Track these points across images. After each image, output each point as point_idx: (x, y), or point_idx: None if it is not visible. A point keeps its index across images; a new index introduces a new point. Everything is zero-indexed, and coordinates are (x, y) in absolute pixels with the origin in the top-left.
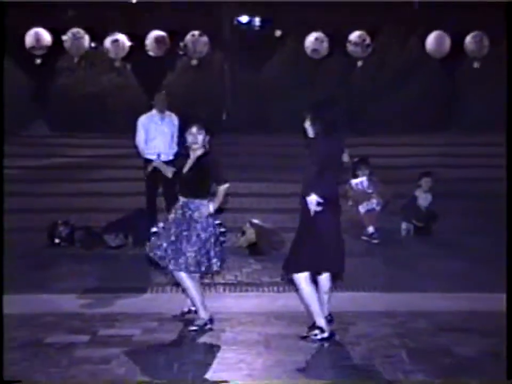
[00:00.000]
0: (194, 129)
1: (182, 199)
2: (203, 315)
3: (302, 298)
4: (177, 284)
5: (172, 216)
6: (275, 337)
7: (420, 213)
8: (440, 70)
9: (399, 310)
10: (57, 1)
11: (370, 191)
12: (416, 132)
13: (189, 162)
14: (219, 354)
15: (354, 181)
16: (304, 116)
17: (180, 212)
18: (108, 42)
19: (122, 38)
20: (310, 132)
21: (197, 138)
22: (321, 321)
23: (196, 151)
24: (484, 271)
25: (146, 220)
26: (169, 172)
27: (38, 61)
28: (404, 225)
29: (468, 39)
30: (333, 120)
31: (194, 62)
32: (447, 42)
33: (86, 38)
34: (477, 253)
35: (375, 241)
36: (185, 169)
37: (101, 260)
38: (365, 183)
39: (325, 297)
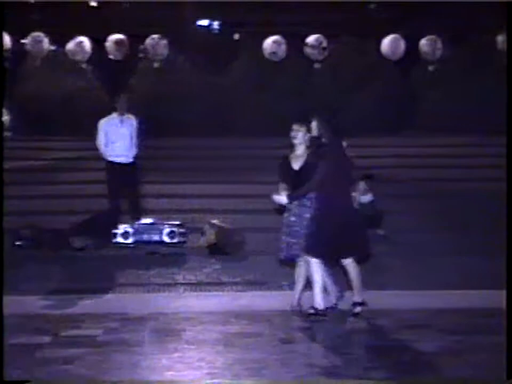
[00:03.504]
0: (295, 126)
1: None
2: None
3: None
4: (137, 285)
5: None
6: (235, 336)
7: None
8: (396, 73)
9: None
10: (18, 3)
11: None
12: (371, 134)
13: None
14: (180, 354)
15: None
16: (310, 118)
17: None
18: (70, 45)
19: (85, 41)
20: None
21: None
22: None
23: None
24: (437, 269)
25: (109, 221)
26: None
27: None
28: None
29: (422, 42)
30: (340, 126)
31: (155, 65)
32: (402, 45)
33: (46, 41)
34: (430, 251)
35: None
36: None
37: (65, 261)
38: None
39: (355, 283)
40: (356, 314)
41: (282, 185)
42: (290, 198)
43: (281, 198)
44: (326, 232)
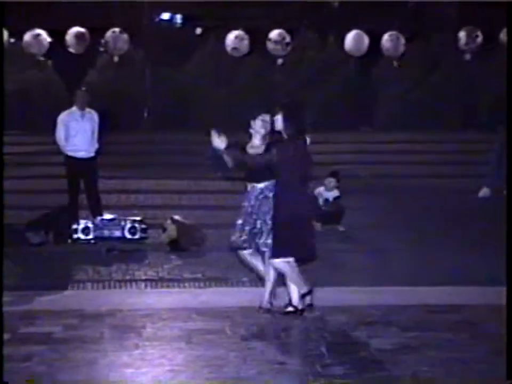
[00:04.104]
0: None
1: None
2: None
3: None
4: (97, 281)
5: None
6: (196, 333)
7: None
8: (359, 69)
9: (318, 304)
10: None
11: None
12: (332, 130)
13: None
14: (140, 351)
15: None
16: (273, 113)
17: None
18: (28, 37)
19: (43, 34)
20: (282, 130)
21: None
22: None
23: None
24: (395, 265)
25: (68, 217)
26: None
27: None
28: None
29: (385, 37)
30: (304, 122)
31: (116, 59)
32: (366, 41)
33: (5, 34)
34: (387, 247)
35: None
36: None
37: (21, 257)
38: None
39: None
40: (310, 305)
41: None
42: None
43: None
44: (287, 231)
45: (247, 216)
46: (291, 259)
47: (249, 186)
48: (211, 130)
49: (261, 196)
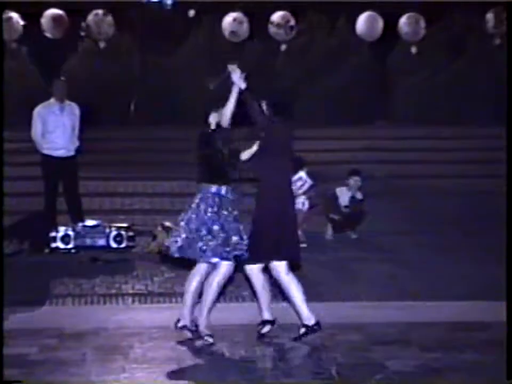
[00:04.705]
0: None
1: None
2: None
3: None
4: (78, 296)
5: None
6: (190, 354)
7: (340, 212)
8: (373, 55)
9: (328, 321)
10: None
11: (301, 190)
12: (342, 124)
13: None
14: (127, 374)
15: (297, 176)
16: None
17: None
18: None
19: (15, 17)
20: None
21: None
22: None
23: None
24: (414, 277)
25: (45, 223)
26: None
27: None
28: (327, 227)
29: (403, 20)
30: (288, 106)
31: (101, 44)
32: (380, 24)
33: None
34: (409, 256)
35: (302, 245)
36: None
37: None
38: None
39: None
40: (262, 335)
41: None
42: None
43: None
44: (264, 234)
45: (190, 221)
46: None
47: (200, 186)
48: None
49: (211, 199)
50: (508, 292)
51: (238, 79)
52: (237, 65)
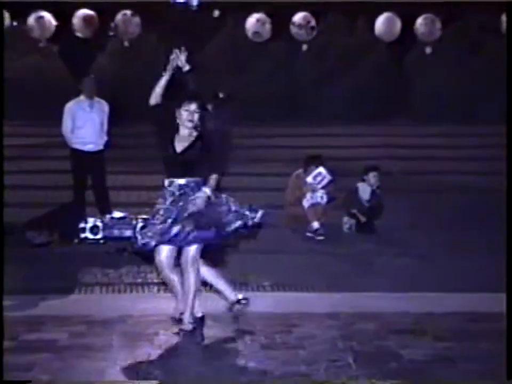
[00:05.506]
0: (193, 107)
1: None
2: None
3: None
4: (106, 284)
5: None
6: (213, 340)
7: (361, 206)
8: (391, 55)
9: (345, 311)
10: None
11: (320, 185)
12: (362, 121)
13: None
14: (155, 360)
15: (317, 171)
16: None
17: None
18: (31, 20)
19: (48, 16)
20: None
21: (193, 116)
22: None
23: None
24: (432, 269)
25: (74, 215)
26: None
27: None
28: (345, 220)
29: (419, 21)
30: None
31: (126, 43)
32: (398, 24)
33: (7, 16)
34: (424, 250)
35: (320, 237)
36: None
37: (23, 259)
38: (324, 175)
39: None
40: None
41: None
42: None
43: None
44: None
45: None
46: None
47: (167, 181)
48: None
49: (179, 194)
50: (507, 295)
51: (182, 63)
52: (179, 50)
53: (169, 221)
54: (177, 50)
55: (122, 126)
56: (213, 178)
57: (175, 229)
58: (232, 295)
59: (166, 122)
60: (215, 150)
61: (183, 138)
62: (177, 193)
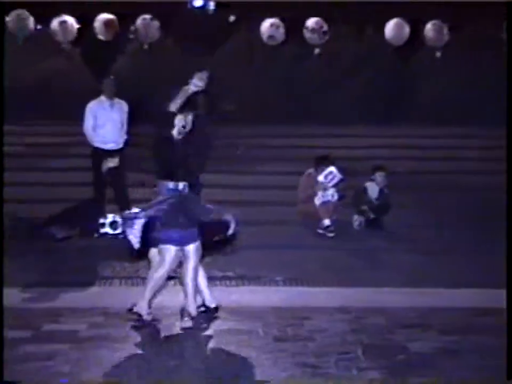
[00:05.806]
0: (190, 116)
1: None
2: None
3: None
4: (124, 278)
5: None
6: (227, 333)
7: (371, 204)
8: (400, 59)
9: (355, 305)
10: None
11: (331, 183)
12: (370, 123)
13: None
14: (167, 350)
15: (328, 170)
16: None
17: None
18: (55, 23)
19: (70, 20)
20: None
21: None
22: None
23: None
24: (439, 266)
25: (94, 210)
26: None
27: None
28: (355, 217)
29: (428, 26)
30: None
31: (145, 46)
32: (406, 30)
33: (31, 20)
34: (431, 246)
35: (331, 234)
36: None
37: (45, 252)
38: (335, 174)
39: None
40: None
41: None
42: None
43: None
44: None
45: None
46: None
47: (160, 184)
48: None
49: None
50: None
51: (203, 84)
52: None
53: (165, 221)
54: (205, 71)
55: (141, 126)
56: None
57: (173, 230)
58: (209, 300)
59: (170, 128)
60: (202, 153)
61: (177, 141)
62: (170, 194)
